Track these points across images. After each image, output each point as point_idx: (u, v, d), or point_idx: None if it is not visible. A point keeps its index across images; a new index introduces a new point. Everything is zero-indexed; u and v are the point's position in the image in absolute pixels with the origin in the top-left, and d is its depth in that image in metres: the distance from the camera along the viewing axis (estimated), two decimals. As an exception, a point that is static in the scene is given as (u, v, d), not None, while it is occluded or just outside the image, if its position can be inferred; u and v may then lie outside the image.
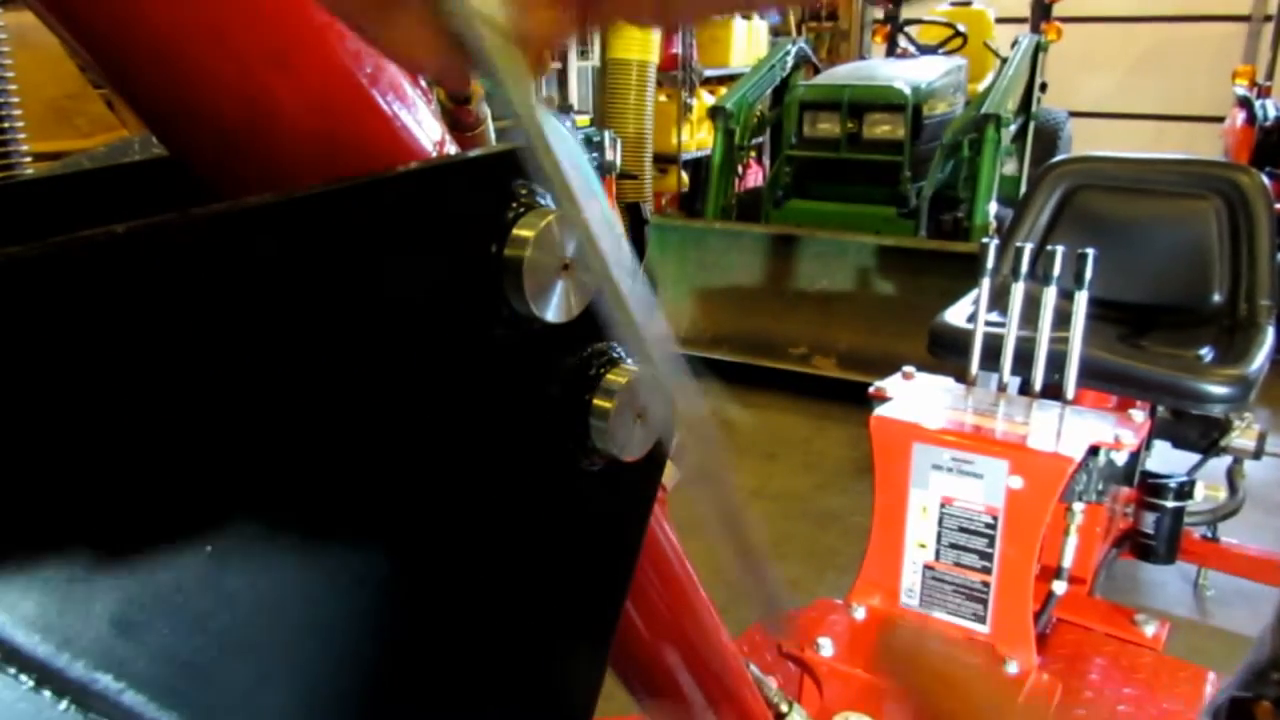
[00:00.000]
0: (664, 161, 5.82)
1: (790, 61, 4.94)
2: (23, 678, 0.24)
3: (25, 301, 0.23)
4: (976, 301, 1.74)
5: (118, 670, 0.25)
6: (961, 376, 1.72)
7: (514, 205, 0.34)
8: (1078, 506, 1.54)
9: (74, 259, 0.24)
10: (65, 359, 0.24)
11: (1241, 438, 2.15)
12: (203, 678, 0.28)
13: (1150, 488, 2.15)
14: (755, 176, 5.51)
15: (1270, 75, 5.80)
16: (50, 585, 0.24)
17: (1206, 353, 2.07)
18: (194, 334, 0.26)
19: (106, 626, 0.25)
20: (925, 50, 5.70)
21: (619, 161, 4.65)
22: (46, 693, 0.24)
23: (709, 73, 6.07)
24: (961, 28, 5.67)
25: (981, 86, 4.97)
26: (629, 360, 0.38)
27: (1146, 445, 2.12)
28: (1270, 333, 2.10)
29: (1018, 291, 1.66)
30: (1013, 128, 4.41)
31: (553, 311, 0.34)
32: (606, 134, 4.57)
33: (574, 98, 5.21)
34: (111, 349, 0.25)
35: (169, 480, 0.26)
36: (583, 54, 5.35)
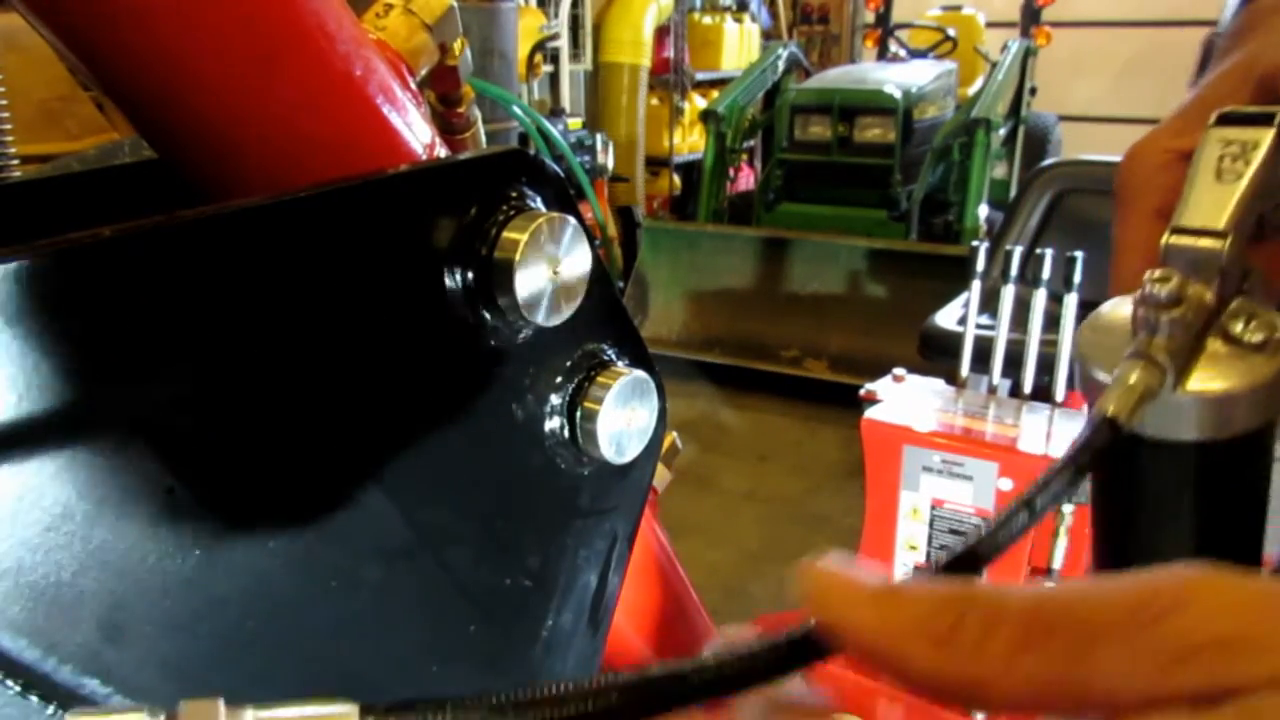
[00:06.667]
0: (656, 165, 5.82)
1: (781, 65, 4.95)
2: (9, 683, 0.24)
3: (12, 304, 0.23)
4: (967, 304, 1.75)
5: (105, 675, 0.25)
6: (952, 379, 1.72)
7: (504, 208, 0.34)
8: (1067, 509, 1.54)
9: (62, 262, 0.23)
10: (53, 361, 0.24)
11: (1229, 440, 2.15)
12: (190, 681, 0.28)
13: (1140, 490, 2.15)
14: (747, 180, 5.52)
15: (1258, 80, 5.82)
16: (36, 590, 0.24)
17: (1194, 355, 2.07)
18: (183, 335, 0.26)
19: (93, 631, 0.25)
20: (916, 54, 5.72)
21: (611, 165, 4.65)
22: (34, 698, 0.24)
23: (701, 76, 6.07)
24: (952, 32, 5.69)
25: (971, 91, 4.99)
26: (619, 362, 0.38)
27: (1136, 447, 2.12)
28: (1258, 335, 2.10)
29: (1008, 294, 1.66)
30: (1002, 131, 4.43)
31: (542, 314, 0.34)
32: (598, 137, 4.56)
33: (566, 101, 5.20)
34: (98, 351, 0.24)
35: (156, 480, 0.26)
36: (574, 57, 5.35)
